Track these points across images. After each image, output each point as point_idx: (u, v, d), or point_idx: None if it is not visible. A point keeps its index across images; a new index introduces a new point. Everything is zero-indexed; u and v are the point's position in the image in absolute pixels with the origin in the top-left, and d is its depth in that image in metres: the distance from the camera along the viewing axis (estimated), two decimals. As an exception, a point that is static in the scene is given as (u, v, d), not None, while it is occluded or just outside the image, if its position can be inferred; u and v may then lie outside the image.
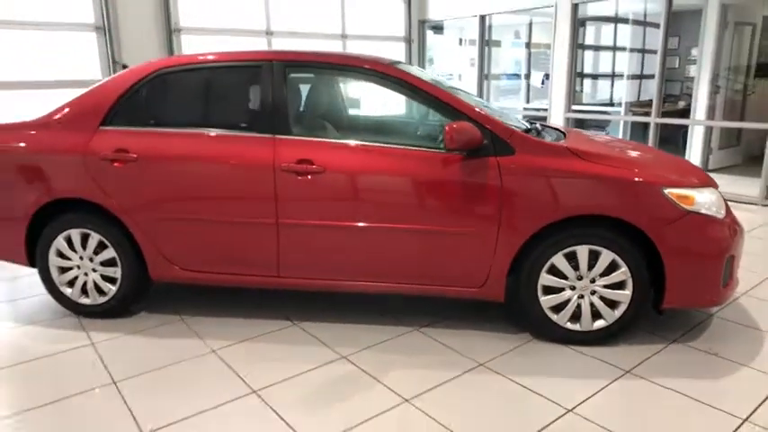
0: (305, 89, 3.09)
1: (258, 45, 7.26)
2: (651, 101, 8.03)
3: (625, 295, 2.70)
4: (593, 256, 2.68)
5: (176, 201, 2.91)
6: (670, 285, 2.65)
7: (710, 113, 7.21)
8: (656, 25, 8.30)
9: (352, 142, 2.84)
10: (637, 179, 2.62)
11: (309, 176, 2.75)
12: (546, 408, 2.29)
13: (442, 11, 8.48)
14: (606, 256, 2.66)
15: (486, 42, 8.27)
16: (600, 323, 2.77)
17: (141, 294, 3.22)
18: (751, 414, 2.24)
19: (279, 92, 2.85)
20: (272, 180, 2.77)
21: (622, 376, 2.53)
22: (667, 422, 2.20)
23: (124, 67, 6.24)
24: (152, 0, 6.35)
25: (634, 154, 3.03)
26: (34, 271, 3.19)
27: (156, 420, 2.22)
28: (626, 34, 9.06)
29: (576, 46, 7.03)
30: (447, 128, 2.56)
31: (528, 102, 9.53)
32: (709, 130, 7.23)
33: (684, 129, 7.56)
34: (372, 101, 3.44)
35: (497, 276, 2.75)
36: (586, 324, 2.77)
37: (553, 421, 2.20)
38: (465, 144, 2.57)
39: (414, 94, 2.86)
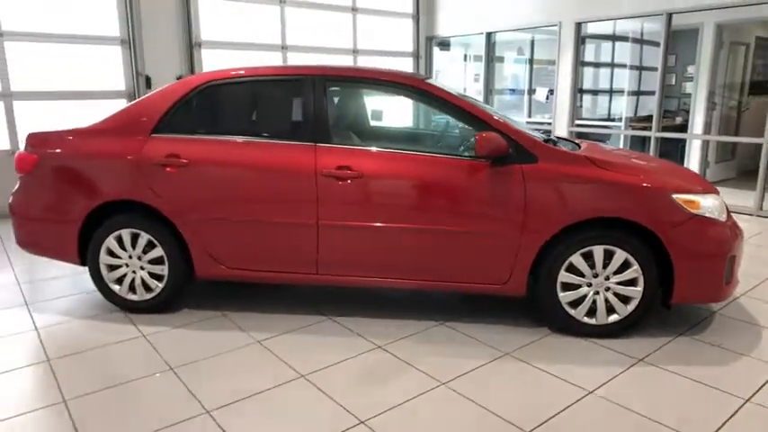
0: (343, 101, 3.36)
1: (274, 59, 7.55)
2: (649, 116, 8.37)
3: (637, 291, 2.95)
4: (608, 256, 2.94)
5: (224, 203, 3.15)
6: (678, 282, 2.91)
7: (707, 129, 7.54)
8: (653, 43, 8.68)
9: (386, 150, 3.10)
10: (648, 185, 2.89)
11: (348, 181, 3.01)
12: (569, 390, 2.53)
13: (450, 28, 8.82)
14: (620, 256, 2.92)
15: (491, 58, 8.59)
16: (614, 317, 3.02)
17: (182, 291, 3.44)
18: (752, 395, 2.49)
19: (320, 104, 3.12)
20: (314, 184, 3.03)
21: (636, 364, 2.77)
22: (678, 401, 2.45)
23: (147, 79, 6.52)
24: (175, 15, 6.63)
25: (643, 163, 3.31)
26: (76, 270, 3.40)
27: (219, 400, 2.44)
28: (624, 52, 9.41)
29: (579, 63, 7.35)
30: (477, 137, 2.83)
31: (530, 116, 9.86)
32: (705, 145, 7.56)
33: (682, 143, 7.89)
34: (403, 112, 3.71)
35: (520, 274, 3.00)
36: (601, 318, 3.02)
37: (577, 401, 2.44)
38: (492, 152, 2.84)
39: (444, 107, 3.13)
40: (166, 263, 3.28)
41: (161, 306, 3.37)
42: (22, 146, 5.83)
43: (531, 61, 10.08)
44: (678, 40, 9.05)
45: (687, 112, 8.66)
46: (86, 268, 3.39)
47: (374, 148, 3.11)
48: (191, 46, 6.78)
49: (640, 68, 9.57)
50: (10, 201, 3.49)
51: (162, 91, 3.36)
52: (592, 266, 2.96)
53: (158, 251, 3.27)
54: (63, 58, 6.13)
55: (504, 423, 2.28)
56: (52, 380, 2.62)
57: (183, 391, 2.52)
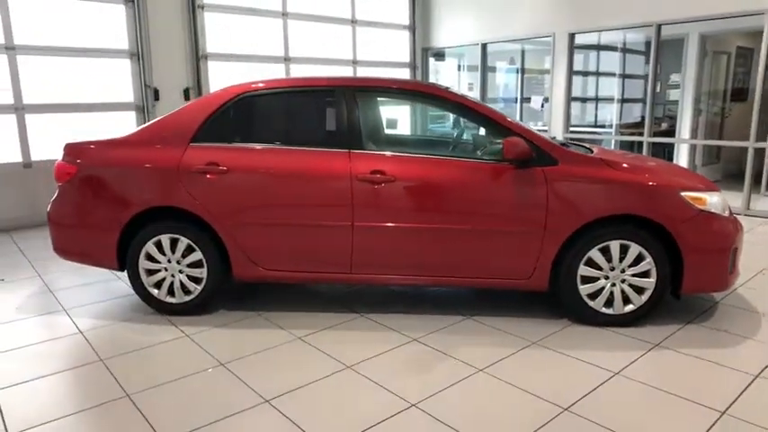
0: (374, 110, 3.57)
1: (277, 70, 7.74)
2: (636, 122, 8.75)
3: (650, 282, 3.19)
4: (623, 250, 3.18)
5: (262, 208, 3.33)
6: (687, 273, 3.15)
7: (694, 134, 7.92)
8: (638, 52, 9.07)
9: (416, 155, 3.32)
10: (658, 184, 3.15)
11: (382, 185, 3.21)
12: (597, 372, 2.75)
13: (445, 39, 9.11)
14: (634, 249, 3.16)
15: (485, 68, 8.89)
16: (629, 307, 3.25)
17: (217, 294, 3.59)
18: (762, 371, 2.74)
19: (351, 112, 3.32)
20: (350, 188, 3.22)
21: (653, 348, 3.01)
22: (696, 379, 2.69)
23: (155, 91, 6.66)
24: (182, 29, 6.80)
25: (651, 164, 3.57)
26: (103, 278, 3.52)
27: (275, 390, 2.61)
28: (611, 61, 9.80)
29: (572, 72, 7.68)
30: (505, 142, 3.06)
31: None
32: (693, 149, 7.93)
33: (669, 147, 8.25)
34: (427, 122, 3.92)
35: (543, 268, 3.23)
36: (618, 308, 3.25)
37: (606, 381, 2.67)
38: (518, 155, 3.07)
39: (469, 115, 3.36)
40: (205, 266, 3.43)
41: (198, 308, 3.52)
42: (34, 158, 5.95)
43: (521, 70, 10.43)
44: (663, 49, 9.46)
45: (671, 118, 9.05)
46: (114, 275, 3.53)
47: (405, 154, 3.32)
48: (197, 58, 6.95)
49: (624, 76, 9.96)
50: (48, 209, 3.61)
51: (198, 102, 3.53)
52: (609, 260, 3.20)
53: (197, 255, 3.42)
54: (73, 71, 6.26)
55: (544, 402, 2.49)
56: (110, 377, 2.76)
57: (238, 384, 2.68)
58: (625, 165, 3.28)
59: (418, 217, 3.23)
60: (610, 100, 9.73)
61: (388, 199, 3.23)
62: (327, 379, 2.72)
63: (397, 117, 4.14)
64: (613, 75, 9.39)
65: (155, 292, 3.51)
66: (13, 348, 3.11)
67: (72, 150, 3.56)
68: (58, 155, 3.60)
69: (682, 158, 8.00)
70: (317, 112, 3.45)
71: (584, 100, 10.10)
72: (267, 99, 3.49)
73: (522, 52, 10.29)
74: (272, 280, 3.50)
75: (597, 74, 9.97)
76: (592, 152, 3.50)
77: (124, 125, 6.55)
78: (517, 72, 10.44)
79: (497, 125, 3.28)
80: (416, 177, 3.23)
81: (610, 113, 10.03)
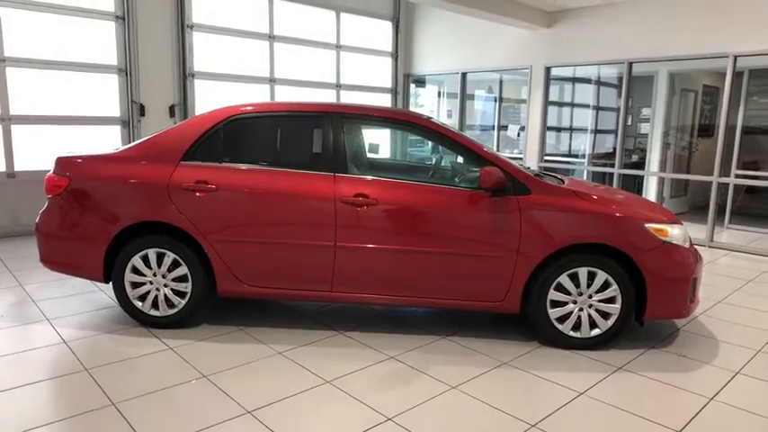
0: (358, 135, 3.74)
1: (262, 91, 7.90)
2: (607, 153, 9.12)
3: (615, 308, 3.39)
4: (591, 276, 3.38)
5: (248, 226, 3.45)
6: (651, 300, 3.36)
7: (663, 166, 8.29)
8: (611, 85, 9.49)
9: (398, 180, 3.49)
10: (625, 215, 3.37)
11: (365, 207, 3.37)
12: (564, 392, 2.92)
13: (427, 67, 9.41)
14: (601, 276, 3.36)
15: (465, 96, 9.19)
16: (596, 331, 3.44)
17: (200, 308, 3.68)
18: (715, 395, 2.93)
19: (338, 137, 3.49)
20: (333, 210, 3.37)
21: (617, 371, 3.19)
22: (654, 400, 2.87)
23: (141, 106, 6.75)
24: (170, 47, 6.93)
25: (619, 196, 3.80)
26: (86, 289, 3.58)
27: (256, 402, 2.70)
28: (584, 93, 10.21)
29: (548, 103, 8.01)
30: (482, 171, 3.25)
31: (498, 151, 10.49)
32: (661, 181, 8.29)
33: (639, 179, 8.61)
34: (407, 147, 4.11)
35: (515, 292, 3.41)
36: (585, 332, 3.44)
37: (571, 400, 2.83)
38: (494, 185, 3.26)
39: (449, 144, 3.55)
40: (190, 280, 3.52)
41: (181, 321, 3.60)
42: (18, 168, 5.96)
43: (498, 99, 10.79)
44: (634, 85, 9.92)
45: (642, 150, 9.46)
46: (95, 286, 3.60)
47: (387, 179, 3.49)
48: (184, 76, 7.07)
49: (596, 108, 10.38)
50: (37, 221, 3.67)
51: (190, 122, 3.66)
52: (577, 286, 3.39)
53: (182, 270, 3.51)
54: (62, 84, 6.32)
55: (512, 419, 2.64)
56: (95, 387, 2.83)
57: (221, 395, 2.77)
58: (594, 196, 3.50)
59: (398, 239, 3.39)
60: (582, 130, 10.11)
61: (369, 221, 3.38)
62: (307, 392, 2.83)
63: (379, 142, 4.32)
64: (586, 106, 9.79)
65: (139, 304, 3.58)
66: (-4, 357, 3.15)
67: (64, 164, 3.64)
68: (42, 166, 3.67)
69: (651, 190, 8.35)
70: (304, 135, 3.61)
71: (558, 129, 10.48)
72: (257, 122, 3.64)
73: (500, 82, 10.67)
74: (255, 296, 3.60)
75: (571, 105, 10.38)
76: (563, 183, 3.72)
77: (109, 139, 6.62)
78: (495, 101, 10.80)
79: (475, 155, 3.48)
80: (397, 201, 3.40)
81: (582, 144, 10.43)
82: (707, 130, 9.22)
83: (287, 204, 3.43)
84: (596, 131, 10.29)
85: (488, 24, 7.96)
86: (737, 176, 6.86)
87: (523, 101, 9.78)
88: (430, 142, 3.79)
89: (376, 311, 4.03)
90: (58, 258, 3.69)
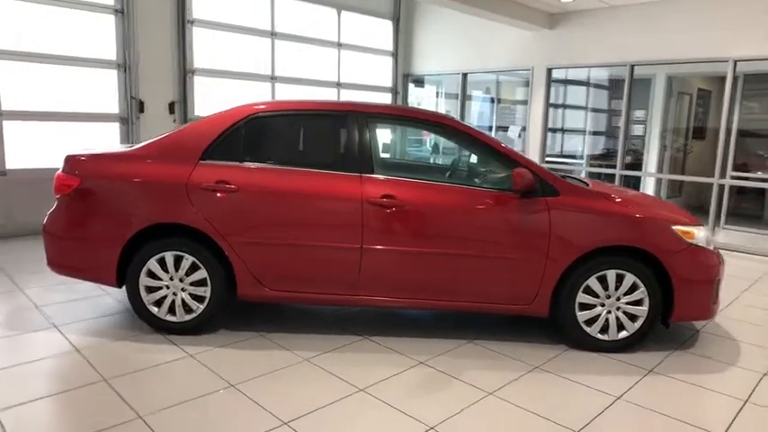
0: (384, 136, 3.66)
1: (263, 89, 7.76)
2: (603, 154, 9.17)
3: (643, 310, 3.37)
4: (619, 279, 3.34)
5: (271, 228, 3.34)
6: (677, 302, 3.35)
7: (660, 168, 8.36)
8: (603, 87, 9.55)
9: (426, 181, 3.42)
10: (654, 217, 3.35)
11: (392, 209, 3.28)
12: (600, 396, 2.88)
13: (426, 67, 9.36)
14: (629, 279, 3.33)
15: (465, 97, 9.16)
16: (623, 333, 3.41)
17: (218, 314, 3.56)
18: (749, 396, 2.93)
19: (363, 137, 3.40)
20: (360, 211, 3.28)
21: (648, 374, 3.17)
22: (691, 403, 2.85)
23: (141, 103, 6.56)
24: (170, 42, 6.75)
25: (644, 198, 3.79)
26: (90, 294, 3.43)
27: (291, 413, 2.60)
28: (578, 95, 10.26)
29: (549, 104, 8.01)
30: (515, 172, 3.19)
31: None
32: (658, 182, 8.36)
33: (635, 180, 8.67)
34: (434, 147, 4.03)
35: (544, 295, 3.36)
36: (613, 334, 3.41)
37: (610, 405, 2.79)
38: (526, 186, 3.21)
39: (475, 145, 3.49)
40: (209, 285, 3.40)
41: (198, 327, 3.47)
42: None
43: (494, 100, 10.79)
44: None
45: (635, 151, 9.54)
46: (102, 290, 3.46)
47: (415, 180, 3.41)
48: (184, 73, 6.90)
49: (589, 110, 10.44)
50: (44, 221, 3.52)
51: (209, 120, 3.54)
52: (605, 288, 3.36)
53: (201, 273, 3.39)
54: (58, 79, 6.10)
55: (556, 426, 2.58)
56: (117, 398, 2.69)
57: (252, 406, 2.67)
58: (620, 198, 3.47)
59: (427, 242, 3.32)
60: (578, 132, 10.15)
61: (397, 223, 3.30)
62: (342, 401, 2.74)
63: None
64: (581, 108, 9.83)
65: (154, 310, 3.44)
66: (5, 367, 2.98)
67: (74, 162, 3.49)
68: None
69: (648, 191, 8.41)
70: (328, 135, 3.51)
71: (553, 130, 10.52)
72: (279, 120, 3.53)
73: (497, 83, 10.67)
74: (277, 300, 3.50)
75: (564, 106, 10.43)
76: (587, 185, 3.69)
77: (107, 137, 6.42)
78: (492, 101, 10.80)
79: (503, 156, 3.42)
80: (426, 203, 3.32)
81: (577, 144, 10.48)
82: (700, 133, 9.34)
83: (311, 205, 3.33)
84: (592, 133, 10.36)
85: (490, 25, 7.94)
86: (733, 178, 6.93)
87: (519, 102, 9.80)
88: (428, 139, 3.72)
89: (396, 315, 3.95)
90: (67, 261, 3.54)
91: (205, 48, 7.13)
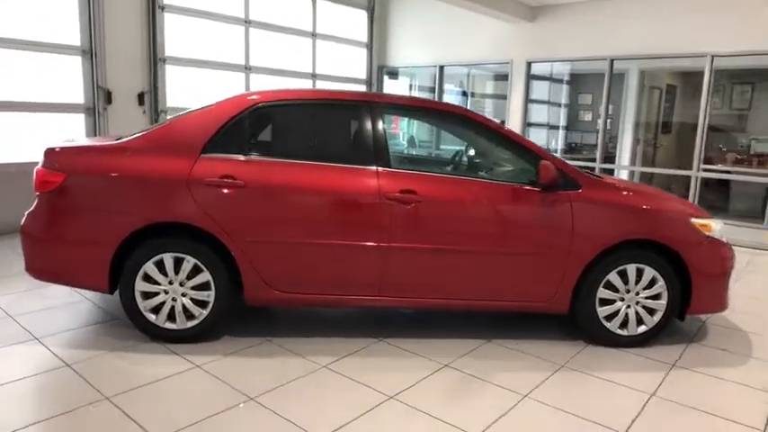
0: (401, 127, 3.47)
1: (237, 79, 7.40)
2: (571, 147, 9.30)
3: (661, 304, 3.34)
4: (638, 273, 3.30)
5: (284, 226, 3.10)
6: (695, 295, 3.33)
7: (633, 161, 8.53)
8: (560, 81, 9.62)
9: (446, 175, 3.26)
10: (673, 210, 3.31)
11: (412, 205, 3.11)
12: (635, 394, 2.82)
13: (402, 58, 9.19)
14: (649, 273, 3.29)
15: (442, 90, 9.06)
16: (642, 328, 3.37)
17: (224, 319, 3.30)
18: (776, 389, 2.94)
19: (379, 129, 3.21)
20: (378, 208, 3.09)
21: (672, 368, 3.14)
22: (724, 398, 2.83)
23: (108, 93, 6.11)
24: (140, 28, 6.31)
25: (660, 193, 3.76)
26: (67, 300, 3.16)
27: (325, 427, 2.40)
28: (540, 89, 10.29)
29: (528, 98, 8.01)
30: (541, 165, 3.08)
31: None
32: (631, 175, 8.52)
33: (608, 173, 8.82)
34: (450, 141, 3.85)
35: (565, 291, 3.27)
36: (632, 329, 3.36)
37: (646, 402, 2.73)
38: (551, 180, 3.10)
39: (495, 138, 3.36)
40: (213, 288, 3.13)
41: (200, 335, 3.20)
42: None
43: (467, 94, 10.75)
44: (595, 82, 10.12)
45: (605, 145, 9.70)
46: (80, 295, 3.19)
47: (435, 174, 3.25)
48: (154, 61, 6.47)
49: (548, 103, 10.53)
50: (23, 222, 3.16)
51: (209, 110, 3.25)
52: (625, 283, 3.30)
53: (204, 276, 3.12)
54: (15, 65, 5.58)
55: (603, 428, 2.49)
56: (126, 419, 2.42)
57: (282, 422, 2.45)
58: (639, 192, 3.43)
59: (448, 239, 3.17)
60: (542, 126, 10.22)
61: (418, 220, 3.14)
62: (374, 411, 2.55)
63: (447, 136, 4.01)
64: (543, 102, 9.89)
65: (152, 317, 3.14)
66: (-11, 387, 2.64)
67: (58, 156, 3.14)
68: None
69: (622, 184, 8.56)
70: (341, 126, 3.30)
71: (529, 125, 10.57)
72: (287, 110, 3.29)
73: (468, 76, 10.64)
74: (287, 304, 3.28)
75: (531, 101, 10.49)
76: (602, 179, 3.63)
77: (72, 128, 5.94)
78: (464, 95, 10.76)
79: (526, 150, 3.30)
80: (448, 198, 3.17)
81: (543, 138, 10.58)
82: (667, 127, 9.60)
83: (324, 201, 3.12)
84: (556, 127, 10.47)
85: (468, 16, 7.85)
86: (705, 170, 7.13)
87: (492, 95, 9.80)
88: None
89: (404, 315, 3.78)
90: (51, 266, 3.19)
91: (177, 35, 6.71)
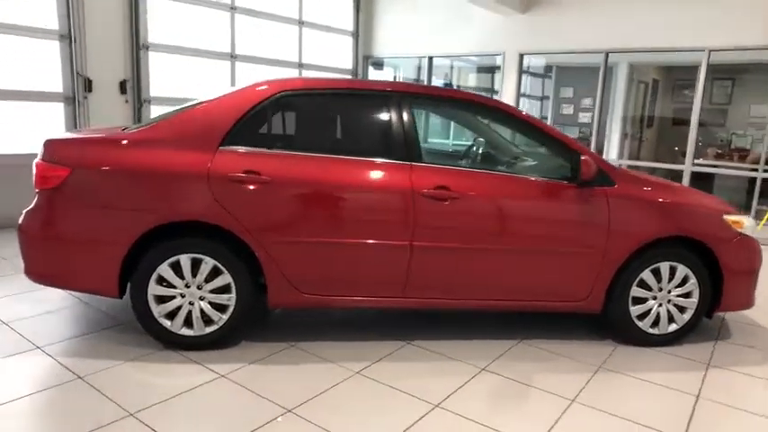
0: (432, 120, 3.30)
1: (223, 67, 7.08)
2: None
3: (692, 302, 3.29)
4: (671, 271, 3.24)
5: (313, 224, 2.90)
6: (726, 293, 3.30)
7: (620, 155, 8.58)
8: (538, 75, 9.56)
9: (481, 170, 3.11)
10: (708, 207, 3.26)
11: (447, 202, 2.96)
12: (681, 396, 2.75)
13: (389, 49, 8.98)
14: (682, 270, 3.23)
15: (431, 82, 8.91)
16: (673, 326, 3.32)
17: (244, 324, 3.08)
18: (814, 387, 2.92)
19: (412, 122, 3.03)
20: (411, 205, 2.92)
21: (709, 368, 3.09)
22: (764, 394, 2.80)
23: (88, 81, 5.72)
24: (121, 13, 5.92)
25: (690, 189, 3.70)
26: (64, 304, 2.98)
27: (375, 439, 2.24)
28: (525, 82, 10.24)
29: (520, 92, 7.94)
30: (582, 161, 2.96)
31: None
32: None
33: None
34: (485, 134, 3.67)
35: (599, 290, 3.18)
36: (663, 328, 3.31)
37: (695, 404, 2.67)
38: (592, 176, 2.99)
39: (532, 132, 3.23)
40: (234, 291, 2.91)
41: (218, 341, 2.98)
42: None
43: (452, 86, 10.65)
44: (577, 75, 10.14)
45: (585, 140, 9.76)
46: (78, 299, 3.01)
47: (469, 169, 3.10)
48: (137, 48, 6.09)
49: (528, 97, 10.50)
50: (21, 221, 2.86)
51: (228, 98, 3.02)
52: (658, 281, 3.24)
53: (225, 278, 2.89)
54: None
55: (661, 433, 2.41)
56: (157, 437, 2.20)
57: (324, 434, 2.27)
58: (673, 188, 3.37)
59: (484, 237, 3.03)
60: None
61: (453, 217, 2.98)
62: (425, 421, 2.40)
63: (481, 130, 3.80)
64: (523, 96, 9.81)
65: (167, 323, 2.90)
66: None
67: (60, 149, 2.86)
68: None
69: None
70: (372, 118, 3.11)
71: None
72: (313, 100, 3.08)
73: (452, 68, 10.52)
74: (312, 306, 3.09)
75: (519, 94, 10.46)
76: (636, 175, 3.55)
77: (52, 118, 5.54)
78: (450, 87, 10.65)
79: (564, 145, 3.17)
80: (483, 194, 3.02)
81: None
82: (650, 121, 9.72)
83: (355, 198, 2.93)
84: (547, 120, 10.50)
85: (458, 5, 7.71)
86: (696, 165, 7.22)
87: (479, 89, 9.70)
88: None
89: (428, 316, 3.63)
90: (53, 269, 2.91)
91: (160, 21, 6.34)
